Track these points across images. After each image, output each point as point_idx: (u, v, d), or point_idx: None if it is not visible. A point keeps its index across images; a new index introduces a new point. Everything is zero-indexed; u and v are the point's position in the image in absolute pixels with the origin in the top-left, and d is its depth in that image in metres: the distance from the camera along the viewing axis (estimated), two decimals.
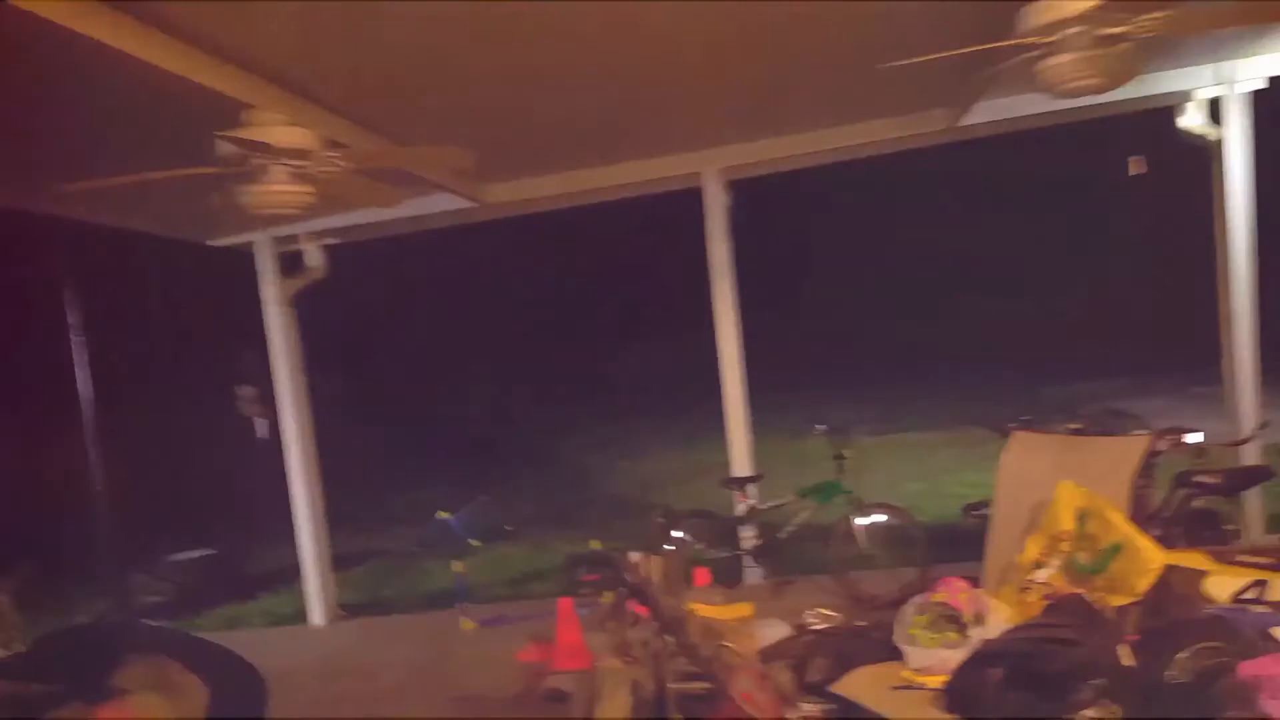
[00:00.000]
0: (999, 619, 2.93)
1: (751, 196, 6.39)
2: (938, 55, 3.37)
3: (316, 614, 6.75)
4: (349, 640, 6.41)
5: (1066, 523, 3.04)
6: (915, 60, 3.34)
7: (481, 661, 5.31)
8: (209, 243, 6.66)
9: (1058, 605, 2.77)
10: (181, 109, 3.64)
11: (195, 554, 8.33)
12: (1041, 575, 2.99)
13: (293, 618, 7.06)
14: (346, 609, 7.01)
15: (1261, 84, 5.38)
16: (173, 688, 2.97)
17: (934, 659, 2.89)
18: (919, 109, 5.59)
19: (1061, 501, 3.09)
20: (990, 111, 5.45)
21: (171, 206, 5.56)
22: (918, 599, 3.11)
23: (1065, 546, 3.01)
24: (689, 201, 6.24)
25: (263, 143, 3.47)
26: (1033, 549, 3.10)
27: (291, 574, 7.37)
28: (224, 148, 3.52)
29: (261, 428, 6.86)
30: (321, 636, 6.59)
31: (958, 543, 5.84)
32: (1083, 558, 2.94)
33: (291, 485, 6.75)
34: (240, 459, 7.41)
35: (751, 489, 6.04)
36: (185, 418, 12.92)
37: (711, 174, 6.06)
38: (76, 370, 7.93)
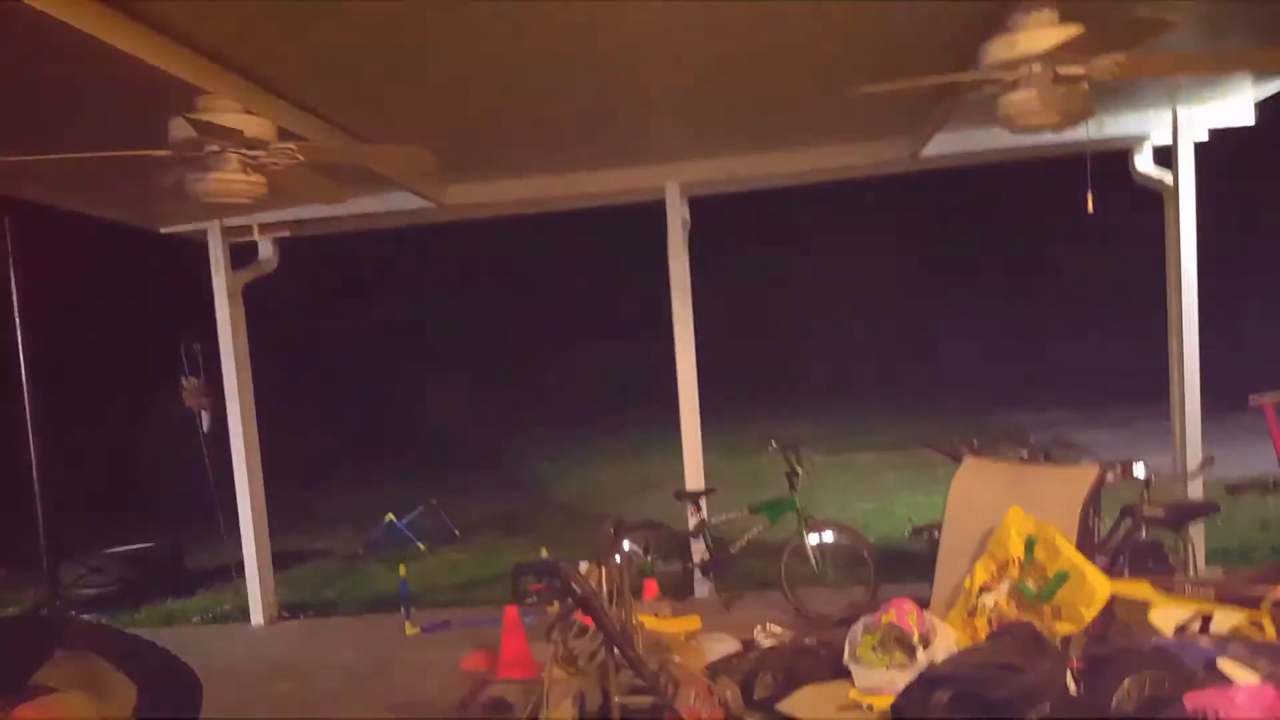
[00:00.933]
0: (947, 642, 2.94)
1: (710, 213, 6.43)
2: (903, 84, 3.42)
3: (257, 613, 6.56)
4: (289, 641, 6.24)
5: (1015, 549, 3.08)
6: (881, 88, 3.39)
7: (424, 668, 5.20)
8: (161, 230, 6.47)
9: (1005, 631, 2.79)
10: (135, 91, 3.52)
11: (134, 547, 8.08)
12: (989, 600, 3.02)
13: (232, 616, 6.87)
14: (288, 609, 6.83)
15: (1205, 135, 5.59)
16: (100, 686, 2.85)
17: (881, 680, 2.89)
18: (882, 136, 5.68)
19: (1011, 527, 3.12)
20: (951, 143, 5.57)
21: (123, 190, 5.38)
22: (867, 619, 3.12)
23: (1013, 572, 3.04)
24: (651, 212, 6.26)
25: (230, 128, 3.36)
26: (981, 573, 3.13)
27: (232, 571, 7.16)
28: (178, 131, 3.40)
29: (206, 421, 6.65)
30: (261, 636, 6.40)
31: (906, 563, 5.93)
32: (1030, 584, 2.97)
33: (236, 480, 6.56)
34: (183, 451, 7.19)
35: (703, 502, 6.04)
36: (129, 407, 12.55)
37: (674, 189, 6.07)
38: (19, 352, 7.64)
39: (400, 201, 6.09)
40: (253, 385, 6.62)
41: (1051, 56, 3.12)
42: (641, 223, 6.60)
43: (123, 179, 4.24)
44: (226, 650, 5.92)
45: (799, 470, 5.68)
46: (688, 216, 6.19)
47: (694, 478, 6.19)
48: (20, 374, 7.65)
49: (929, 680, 2.61)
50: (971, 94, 3.57)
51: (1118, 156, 5.84)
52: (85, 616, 6.93)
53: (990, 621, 2.98)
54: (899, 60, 3.90)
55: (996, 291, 24.43)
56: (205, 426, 6.67)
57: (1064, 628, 2.88)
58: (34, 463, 7.65)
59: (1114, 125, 5.49)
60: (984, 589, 3.09)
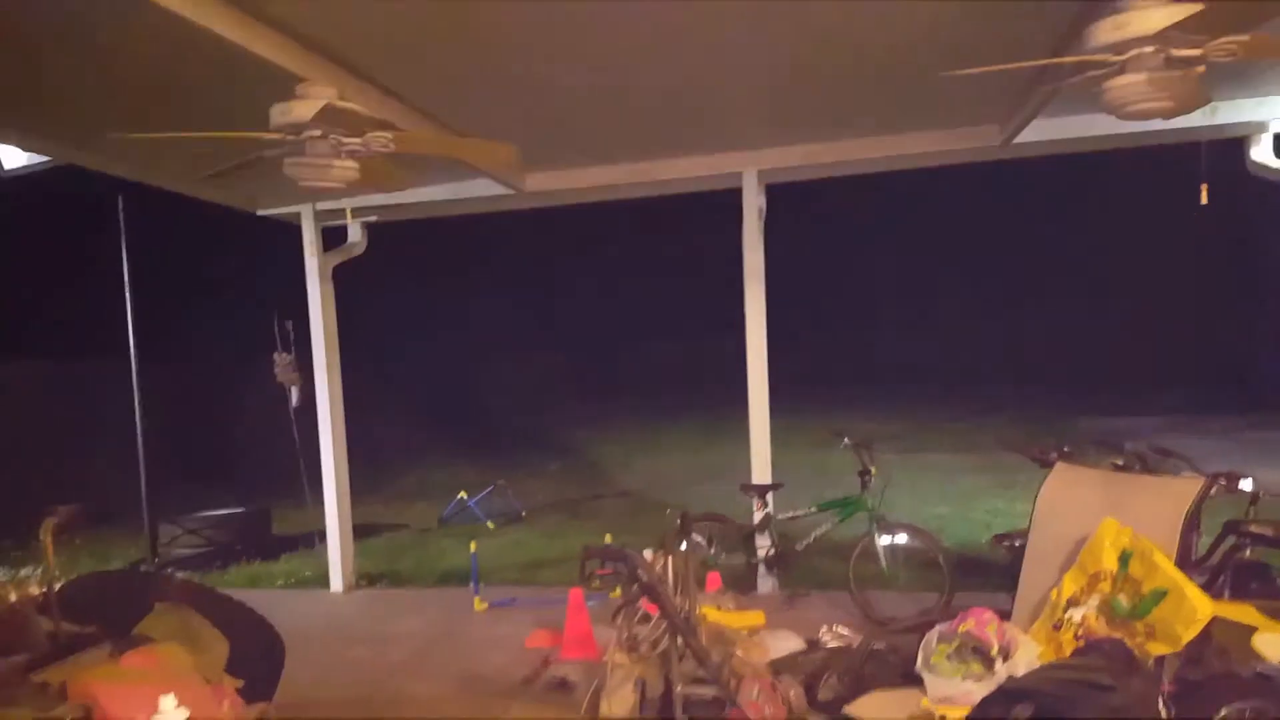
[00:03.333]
0: (1029, 655, 2.81)
1: (785, 201, 6.30)
2: (999, 67, 3.26)
3: (336, 580, 6.83)
4: (365, 609, 6.47)
5: (1108, 562, 2.91)
6: (975, 71, 3.24)
7: (491, 642, 5.32)
8: (258, 212, 6.76)
9: (1094, 647, 2.65)
10: (236, 78, 3.67)
11: (226, 511, 8.51)
12: (1077, 614, 2.87)
13: (313, 581, 7.16)
14: (365, 578, 7.08)
15: None
16: (196, 640, 3.02)
17: (956, 690, 2.78)
18: (972, 123, 5.46)
19: (1104, 539, 2.95)
20: (1047, 130, 5.30)
21: (223, 175, 5.61)
22: (942, 627, 3.00)
23: (1105, 587, 2.88)
24: (729, 198, 6.18)
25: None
26: (1070, 586, 2.97)
27: (315, 539, 7.47)
28: (278, 117, 3.52)
29: (295, 396, 6.94)
30: (339, 602, 6.66)
31: (982, 571, 5.72)
32: (1123, 600, 2.80)
33: (321, 453, 6.83)
34: (275, 424, 7.53)
35: (770, 497, 5.96)
36: (227, 380, 13.23)
37: (751, 176, 5.98)
38: (128, 324, 8.12)
39: (482, 188, 6.21)
40: (339, 363, 6.87)
41: (1164, 38, 2.91)
42: (719, 209, 6.53)
43: (222, 163, 4.43)
44: (307, 614, 6.17)
45: (871, 469, 5.54)
46: (764, 205, 6.09)
47: (761, 471, 6.11)
48: (129, 347, 8.16)
49: (1008, 694, 2.49)
50: (1073, 78, 3.38)
51: (1231, 145, 5.46)
52: (180, 574, 7.37)
53: (1077, 637, 2.83)
54: (994, 42, 3.73)
55: (1086, 287, 23.22)
56: (294, 401, 6.94)
57: (1157, 648, 2.71)
58: (139, 430, 8.15)
59: (1229, 112, 5.12)
60: (1072, 602, 2.93)
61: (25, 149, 5.29)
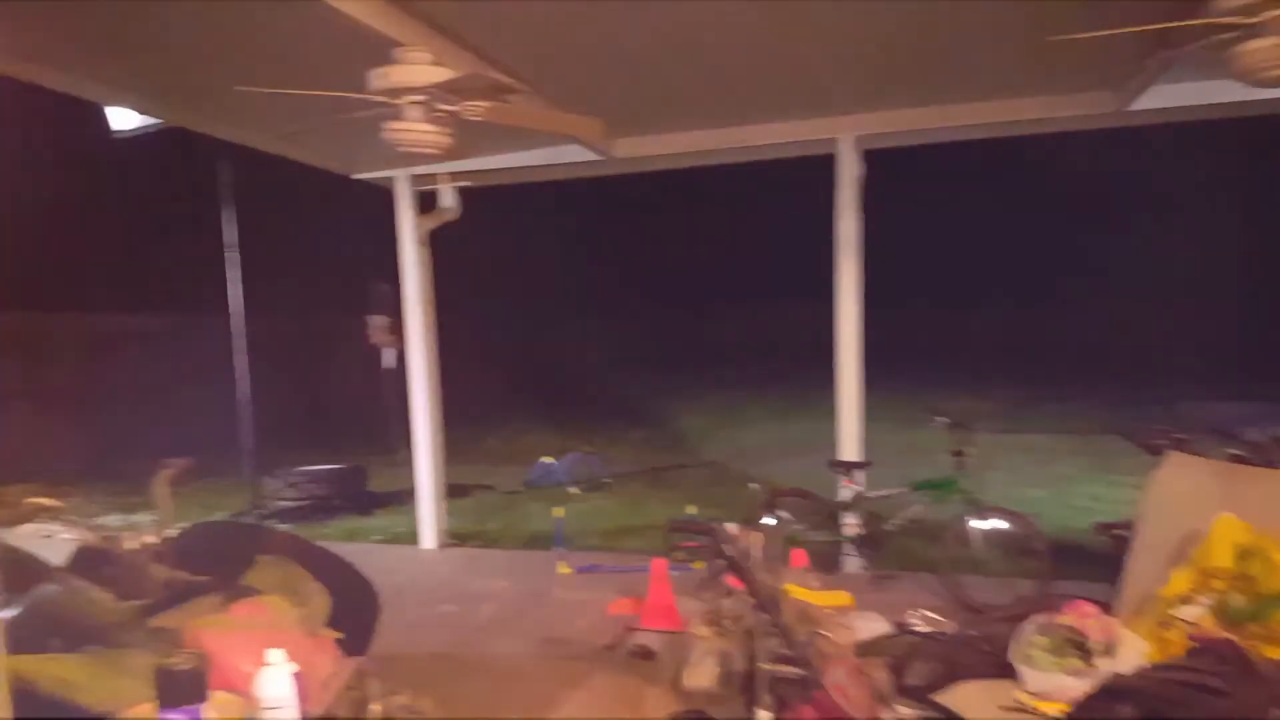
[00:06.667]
0: (1133, 653, 2.69)
1: (881, 169, 6.05)
2: (1119, 30, 3.02)
3: (427, 538, 7.07)
4: (454, 567, 6.68)
5: (1224, 559, 2.74)
6: (1092, 35, 3.01)
7: (574, 607, 5.43)
8: (353, 176, 6.93)
9: (1205, 649, 2.50)
10: (334, 42, 3.73)
11: (325, 467, 8.89)
12: (1188, 613, 2.72)
13: (405, 538, 7.41)
14: (454, 537, 7.32)
15: None
16: (299, 593, 3.12)
17: (1053, 684, 2.69)
18: (1086, 88, 5.12)
19: (1220, 535, 2.78)
20: (1168, 96, 4.93)
21: (321, 137, 5.78)
22: (1041, 618, 2.90)
23: (1219, 585, 2.71)
24: (818, 168, 5.97)
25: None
26: (1180, 582, 2.82)
27: (406, 497, 7.76)
28: (376, 81, 3.57)
29: (389, 357, 7.17)
30: (430, 560, 6.90)
31: (1081, 560, 5.47)
32: (1239, 600, 2.64)
33: (414, 414, 7.03)
34: (369, 384, 7.81)
35: (860, 475, 5.85)
36: (323, 340, 13.84)
37: (847, 142, 5.76)
38: (229, 284, 8.55)
39: (573, 154, 6.22)
40: (434, 324, 7.00)
41: None
42: (814, 171, 6.33)
43: (321, 125, 4.54)
44: (400, 569, 6.38)
45: (967, 450, 5.36)
46: (861, 171, 5.88)
47: (850, 448, 6.00)
48: (231, 302, 8.61)
49: (1111, 692, 2.40)
50: (1200, 42, 3.11)
51: None
52: (281, 526, 7.80)
53: (1188, 637, 2.69)
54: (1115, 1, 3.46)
55: (1197, 266, 21.63)
56: (389, 362, 7.16)
57: (1275, 653, 2.55)
58: (243, 385, 8.60)
59: None
60: (1182, 600, 2.78)
61: (141, 112, 5.52)
